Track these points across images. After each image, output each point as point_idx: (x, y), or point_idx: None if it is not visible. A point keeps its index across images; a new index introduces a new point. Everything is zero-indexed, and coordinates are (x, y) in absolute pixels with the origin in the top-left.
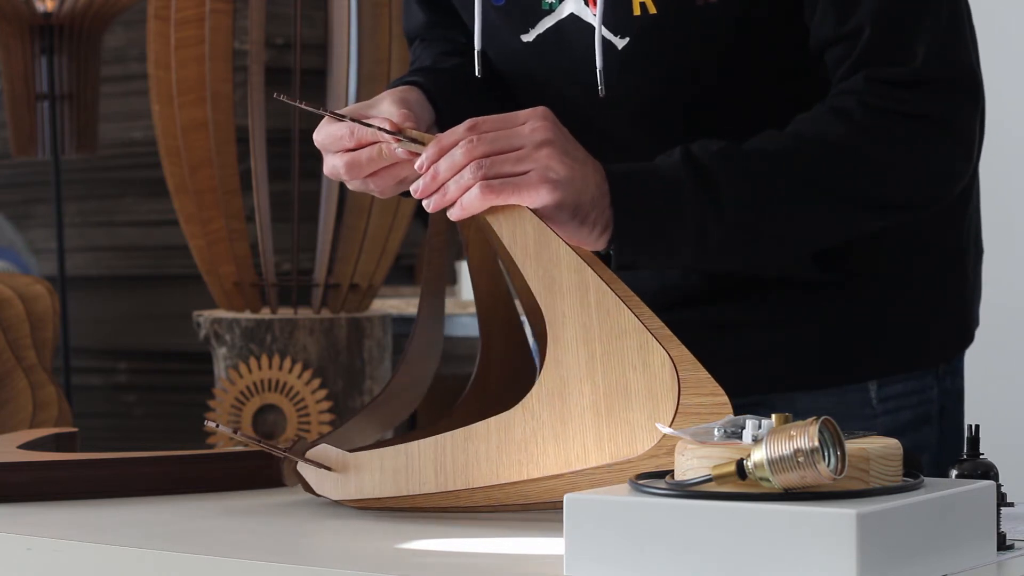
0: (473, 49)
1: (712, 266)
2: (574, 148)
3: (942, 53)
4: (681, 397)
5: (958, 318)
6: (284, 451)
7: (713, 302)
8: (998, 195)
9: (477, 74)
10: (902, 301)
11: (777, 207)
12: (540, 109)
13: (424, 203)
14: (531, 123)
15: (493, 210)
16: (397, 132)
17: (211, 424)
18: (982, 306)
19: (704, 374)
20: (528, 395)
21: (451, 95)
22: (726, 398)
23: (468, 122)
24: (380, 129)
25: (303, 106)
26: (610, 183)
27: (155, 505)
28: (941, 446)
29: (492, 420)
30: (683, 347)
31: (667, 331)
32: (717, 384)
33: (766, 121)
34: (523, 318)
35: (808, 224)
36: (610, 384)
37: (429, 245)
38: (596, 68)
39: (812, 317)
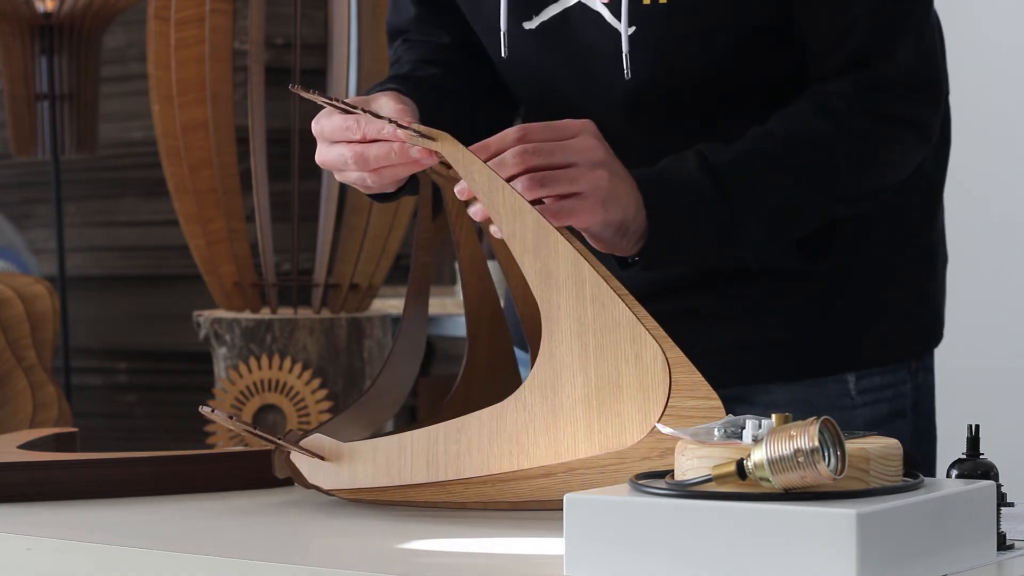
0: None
1: (724, 263)
2: (619, 166)
3: (919, 57)
4: (675, 399)
5: (930, 315)
6: (279, 439)
7: (692, 294)
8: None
9: (503, 55)
10: (879, 296)
11: (783, 207)
12: (589, 124)
13: (471, 210)
14: (584, 139)
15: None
16: (409, 127)
17: (207, 409)
18: (983, 305)
19: (699, 377)
20: (521, 386)
21: (428, 106)
22: (719, 402)
23: (517, 128)
24: (395, 123)
25: (317, 97)
26: (641, 191)
27: (155, 505)
28: (914, 441)
29: (484, 411)
30: (678, 349)
31: (662, 332)
32: (711, 388)
33: (765, 118)
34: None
35: (804, 217)
36: (602, 377)
37: (416, 242)
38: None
39: (790, 310)
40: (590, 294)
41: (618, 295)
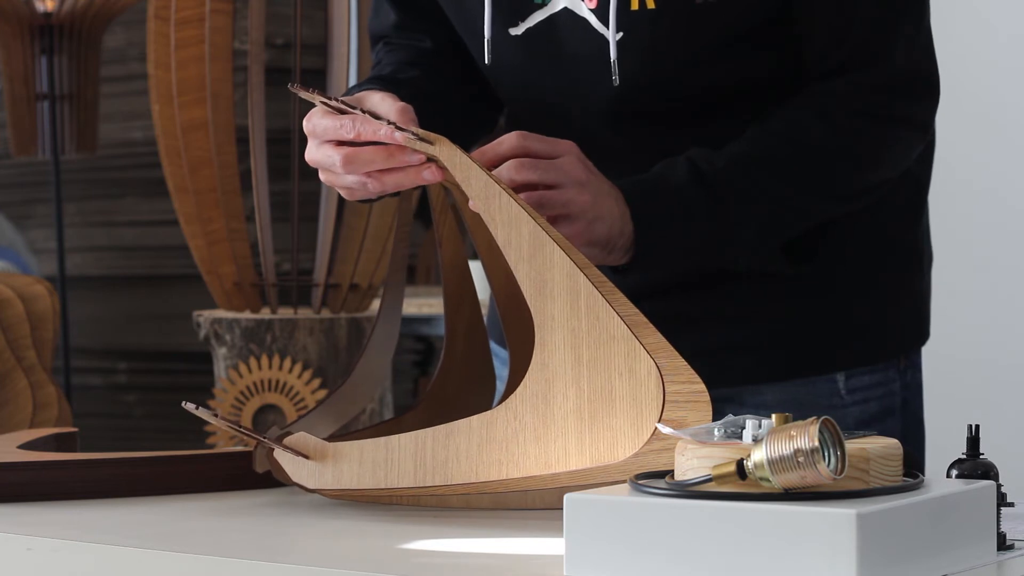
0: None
1: (717, 266)
2: (600, 182)
3: (915, 56)
4: (665, 389)
5: (916, 314)
6: (261, 437)
7: (681, 296)
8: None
9: (487, 62)
10: (866, 295)
11: (775, 212)
12: (574, 146)
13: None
14: (568, 160)
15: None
16: (407, 130)
17: (190, 405)
18: (983, 305)
19: (681, 362)
20: (512, 395)
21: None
22: (703, 385)
23: (515, 135)
24: (393, 125)
25: (316, 96)
26: (628, 202)
27: (155, 505)
28: (903, 439)
29: (475, 418)
30: (658, 334)
31: (642, 318)
32: (693, 371)
33: (751, 123)
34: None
35: (797, 218)
36: (595, 389)
37: (395, 236)
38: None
39: (779, 310)
40: (585, 306)
41: (613, 308)
